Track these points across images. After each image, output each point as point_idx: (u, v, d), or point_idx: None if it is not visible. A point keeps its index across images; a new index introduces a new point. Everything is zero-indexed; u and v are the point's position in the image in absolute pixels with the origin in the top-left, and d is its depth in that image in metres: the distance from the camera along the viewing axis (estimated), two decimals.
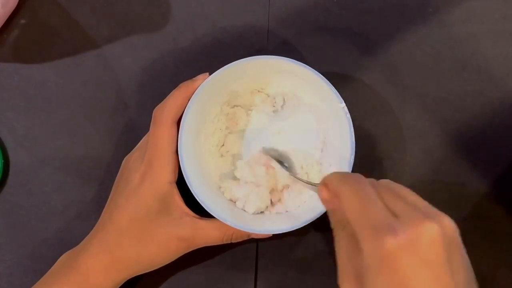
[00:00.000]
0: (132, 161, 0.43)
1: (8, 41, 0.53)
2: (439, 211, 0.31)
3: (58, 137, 0.52)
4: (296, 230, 0.43)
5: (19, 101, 0.52)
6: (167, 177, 0.41)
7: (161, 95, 0.52)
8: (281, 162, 0.46)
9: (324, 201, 0.35)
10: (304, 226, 0.43)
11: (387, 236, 0.28)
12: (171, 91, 0.44)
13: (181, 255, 0.43)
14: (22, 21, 0.54)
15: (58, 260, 0.43)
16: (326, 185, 0.34)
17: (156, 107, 0.44)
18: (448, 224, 0.29)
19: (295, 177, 0.45)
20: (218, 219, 0.41)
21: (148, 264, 0.42)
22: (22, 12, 0.54)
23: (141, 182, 0.41)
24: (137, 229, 0.40)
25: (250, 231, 0.43)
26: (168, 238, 0.41)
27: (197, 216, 0.43)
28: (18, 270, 0.49)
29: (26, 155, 0.51)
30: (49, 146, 0.51)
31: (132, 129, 0.51)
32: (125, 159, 0.45)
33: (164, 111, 0.42)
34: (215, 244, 0.43)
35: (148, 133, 0.44)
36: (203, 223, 0.42)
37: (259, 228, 0.43)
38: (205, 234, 0.42)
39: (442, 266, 0.28)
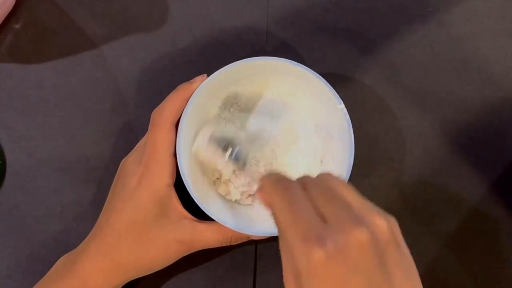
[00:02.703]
0: (129, 164, 0.43)
1: (5, 42, 0.53)
2: (375, 209, 0.29)
3: (56, 138, 0.51)
4: None
5: (16, 102, 0.52)
6: (165, 179, 0.41)
7: (159, 96, 0.52)
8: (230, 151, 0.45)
9: (263, 203, 0.33)
10: None
11: (315, 248, 0.27)
12: (170, 92, 0.44)
13: (180, 257, 0.43)
14: (19, 21, 0.54)
15: (56, 263, 0.43)
16: (261, 189, 0.33)
17: (154, 110, 0.43)
18: (381, 224, 0.28)
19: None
20: (217, 222, 0.41)
21: (147, 267, 0.42)
22: (19, 12, 0.54)
23: (138, 185, 0.40)
24: (135, 233, 0.40)
25: (250, 233, 0.43)
26: (167, 242, 0.40)
27: (195, 219, 0.42)
28: (16, 272, 0.49)
29: (24, 156, 0.51)
30: (46, 147, 0.51)
31: (130, 130, 0.51)
32: (122, 161, 0.45)
33: (163, 113, 0.42)
34: (214, 247, 0.43)
35: (145, 135, 0.44)
36: (202, 226, 0.41)
37: (258, 230, 0.43)
38: (204, 238, 0.41)
39: (374, 271, 0.27)
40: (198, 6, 0.54)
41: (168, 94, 0.52)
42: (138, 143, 0.45)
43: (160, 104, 0.43)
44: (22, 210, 0.50)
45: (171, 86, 0.52)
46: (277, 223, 0.30)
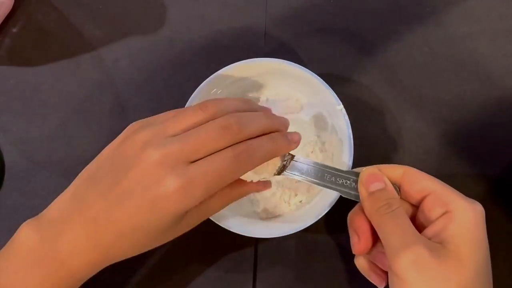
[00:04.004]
0: (157, 164, 0.33)
1: (4, 44, 0.53)
2: None
3: (54, 140, 0.51)
4: (295, 232, 0.42)
5: (15, 104, 0.52)
6: (202, 199, 0.34)
7: (158, 97, 0.52)
8: None
9: (374, 181, 0.38)
10: (303, 230, 0.42)
11: (476, 202, 0.36)
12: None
13: None
14: (18, 24, 0.53)
15: (20, 238, 0.36)
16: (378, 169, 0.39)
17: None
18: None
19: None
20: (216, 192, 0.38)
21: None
22: (18, 15, 0.54)
23: (168, 199, 0.33)
24: (141, 237, 0.35)
25: (250, 235, 0.43)
26: (172, 234, 0.37)
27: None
28: None
29: (22, 158, 0.51)
30: (45, 149, 0.51)
31: None
32: (132, 134, 0.36)
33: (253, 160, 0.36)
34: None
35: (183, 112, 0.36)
36: (207, 203, 0.38)
37: (258, 232, 0.43)
38: (209, 211, 0.39)
39: None
40: (196, 7, 0.54)
41: (166, 96, 0.52)
42: (155, 121, 0.37)
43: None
44: (20, 212, 0.50)
45: (170, 88, 0.52)
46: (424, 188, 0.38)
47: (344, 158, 0.43)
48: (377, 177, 0.38)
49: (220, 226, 0.43)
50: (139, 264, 0.48)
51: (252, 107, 0.39)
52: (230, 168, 0.34)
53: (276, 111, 0.49)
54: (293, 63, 0.44)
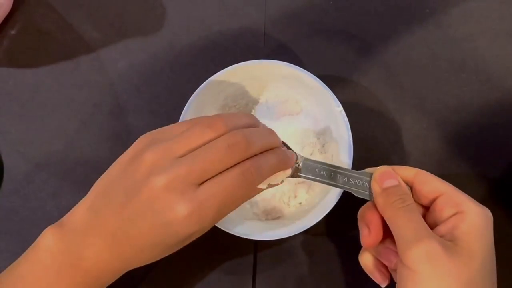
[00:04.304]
0: (165, 189, 0.33)
1: (2, 45, 0.53)
2: None
3: (53, 142, 0.51)
4: (295, 235, 0.42)
5: (13, 106, 0.52)
6: (216, 222, 0.35)
7: (157, 99, 0.52)
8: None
9: (388, 178, 0.38)
10: (302, 231, 0.42)
11: (488, 211, 0.37)
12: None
13: None
14: (16, 25, 0.53)
15: (45, 246, 0.37)
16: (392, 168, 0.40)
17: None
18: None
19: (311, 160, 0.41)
20: None
21: None
22: (16, 16, 0.54)
23: (181, 223, 0.33)
24: (162, 250, 0.36)
25: (250, 237, 0.43)
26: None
27: None
28: None
29: (21, 160, 0.51)
30: (44, 151, 0.51)
31: (128, 134, 0.51)
32: (142, 148, 0.36)
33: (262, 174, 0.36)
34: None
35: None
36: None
37: (258, 234, 0.43)
38: None
39: None
40: (195, 9, 0.54)
41: (165, 98, 0.52)
42: (165, 136, 0.36)
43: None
44: (19, 214, 0.50)
45: (169, 89, 0.52)
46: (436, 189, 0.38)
47: (343, 159, 0.43)
48: (390, 175, 0.39)
49: (220, 228, 0.42)
50: (139, 267, 0.48)
51: (256, 123, 0.39)
52: (239, 186, 0.34)
53: (276, 113, 0.49)
54: (292, 64, 0.44)
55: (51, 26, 0.54)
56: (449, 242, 0.35)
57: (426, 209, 0.39)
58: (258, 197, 0.47)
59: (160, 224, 0.33)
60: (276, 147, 0.38)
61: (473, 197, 0.37)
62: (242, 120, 0.37)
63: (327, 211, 0.42)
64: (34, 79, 0.52)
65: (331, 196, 0.42)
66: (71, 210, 0.37)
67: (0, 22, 0.52)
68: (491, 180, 0.50)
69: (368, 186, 0.40)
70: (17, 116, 0.52)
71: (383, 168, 0.39)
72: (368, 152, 0.50)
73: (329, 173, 0.40)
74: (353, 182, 0.40)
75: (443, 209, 0.37)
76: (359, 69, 0.52)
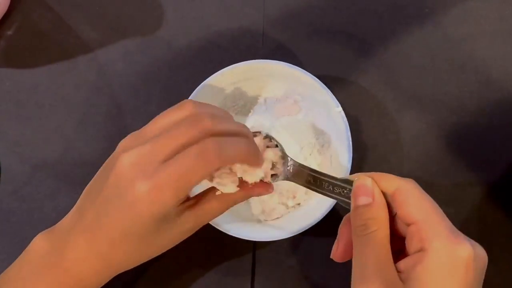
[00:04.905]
0: (129, 167, 0.33)
1: None
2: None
3: (51, 142, 0.51)
4: (293, 236, 0.42)
5: (10, 107, 0.52)
6: (176, 201, 0.34)
7: (155, 100, 0.51)
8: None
9: (362, 194, 0.35)
10: (301, 232, 0.42)
11: (465, 244, 0.31)
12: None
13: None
14: (14, 25, 0.53)
15: (34, 245, 0.38)
16: (371, 179, 0.35)
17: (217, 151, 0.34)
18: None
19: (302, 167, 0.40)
20: (214, 192, 0.38)
21: (146, 261, 0.39)
22: (14, 16, 0.53)
23: (142, 201, 0.33)
24: (133, 242, 0.35)
25: (248, 238, 0.42)
26: (170, 239, 0.37)
27: (192, 200, 0.38)
28: None
29: (18, 161, 0.50)
30: (41, 152, 0.51)
31: (126, 134, 0.50)
32: (120, 146, 0.37)
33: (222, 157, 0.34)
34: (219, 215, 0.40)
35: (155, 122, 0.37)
36: (204, 206, 0.38)
37: (256, 235, 0.43)
38: (208, 214, 0.38)
39: None
40: (194, 9, 0.54)
41: (163, 98, 0.52)
42: (141, 131, 0.37)
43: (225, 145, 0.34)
44: (16, 215, 0.50)
45: (167, 90, 0.52)
46: (410, 214, 0.33)
47: (343, 160, 0.43)
48: (366, 190, 0.35)
49: (218, 230, 0.42)
50: (137, 268, 0.48)
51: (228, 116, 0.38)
52: (196, 165, 0.32)
53: (274, 113, 0.49)
54: (291, 64, 0.44)
55: (49, 26, 0.53)
56: (400, 284, 0.31)
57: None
58: (256, 198, 0.47)
59: (125, 206, 0.33)
60: (245, 136, 0.36)
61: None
62: (213, 107, 0.37)
63: (326, 212, 0.42)
64: (31, 80, 0.52)
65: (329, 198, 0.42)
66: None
67: None
68: (490, 181, 0.49)
69: (350, 196, 0.37)
70: (14, 117, 0.51)
71: (360, 180, 0.35)
72: (367, 153, 0.50)
73: (315, 180, 0.39)
74: (337, 190, 0.38)
75: (411, 241, 0.33)
76: (358, 69, 0.52)
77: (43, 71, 0.52)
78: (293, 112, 0.49)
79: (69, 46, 0.53)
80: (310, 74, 0.44)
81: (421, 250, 0.31)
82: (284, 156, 0.40)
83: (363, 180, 0.35)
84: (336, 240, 0.37)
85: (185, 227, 0.37)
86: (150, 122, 0.37)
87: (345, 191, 0.37)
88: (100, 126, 0.51)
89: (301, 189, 0.47)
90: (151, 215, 0.33)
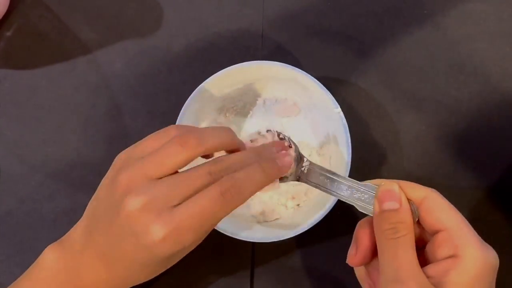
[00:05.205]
0: (141, 213, 0.32)
1: None
2: None
3: (50, 144, 0.51)
4: (293, 237, 0.42)
5: (9, 108, 0.52)
6: (197, 239, 0.34)
7: (154, 101, 0.51)
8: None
9: (389, 199, 0.35)
10: (301, 233, 0.42)
11: (493, 251, 0.33)
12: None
13: None
14: (12, 27, 0.53)
15: (46, 265, 0.38)
16: (398, 185, 0.36)
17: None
18: None
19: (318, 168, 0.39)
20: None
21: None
22: (13, 17, 0.53)
23: (160, 245, 0.32)
24: (150, 270, 0.36)
25: (248, 239, 0.42)
26: (183, 255, 0.37)
27: None
28: (9, 280, 0.48)
29: (17, 162, 0.50)
30: (40, 153, 0.51)
31: (125, 135, 0.51)
32: (115, 169, 0.36)
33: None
34: None
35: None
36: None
37: (255, 236, 0.43)
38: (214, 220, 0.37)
39: None
40: (193, 10, 0.54)
41: (162, 99, 0.52)
42: (138, 150, 0.36)
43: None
44: (15, 217, 0.49)
45: (166, 91, 0.52)
46: (438, 220, 0.34)
47: (342, 161, 0.43)
48: (392, 195, 0.35)
49: (217, 231, 0.42)
50: None
51: (233, 137, 0.37)
52: (217, 208, 0.32)
53: (274, 114, 0.49)
54: (290, 66, 0.44)
55: (48, 27, 0.53)
56: None
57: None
58: (256, 199, 0.46)
59: (140, 246, 0.33)
60: (234, 143, 0.37)
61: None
62: (217, 136, 0.36)
63: (325, 213, 0.42)
64: (30, 81, 0.52)
65: (329, 198, 0.42)
66: (71, 230, 0.38)
67: None
68: (490, 182, 0.49)
69: (372, 202, 0.37)
70: (13, 118, 0.51)
71: (387, 185, 0.36)
72: (366, 154, 0.50)
73: (332, 182, 0.38)
74: (357, 195, 0.37)
75: (440, 247, 0.33)
76: (357, 70, 0.52)
77: (42, 72, 0.52)
78: (292, 113, 0.49)
79: (68, 47, 0.53)
80: (310, 75, 0.44)
81: (453, 256, 0.32)
82: (298, 156, 0.39)
83: (390, 185, 0.36)
84: (352, 245, 0.37)
85: (199, 241, 0.37)
86: (147, 146, 0.36)
87: (366, 196, 0.37)
88: (99, 127, 0.51)
89: (301, 190, 0.47)
90: (170, 255, 0.33)
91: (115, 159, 0.37)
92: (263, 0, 0.54)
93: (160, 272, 0.37)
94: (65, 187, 0.50)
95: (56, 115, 0.52)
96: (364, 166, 0.50)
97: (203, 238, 0.36)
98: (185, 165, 0.34)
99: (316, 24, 0.53)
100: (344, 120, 0.43)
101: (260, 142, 0.40)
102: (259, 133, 0.41)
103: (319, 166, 0.39)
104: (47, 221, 0.49)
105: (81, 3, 0.54)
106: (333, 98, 0.43)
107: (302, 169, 0.39)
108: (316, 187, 0.38)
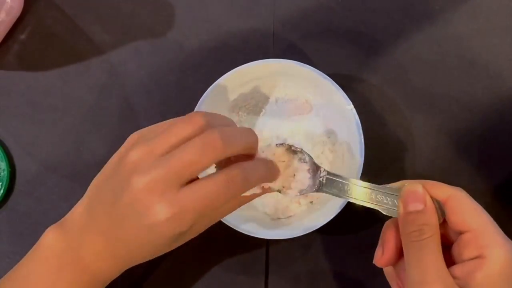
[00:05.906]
0: (146, 193, 0.32)
1: (13, 49, 0.53)
2: None
3: (65, 144, 0.51)
4: (307, 234, 0.42)
5: (25, 109, 0.52)
6: (195, 222, 0.33)
7: (167, 100, 0.52)
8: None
9: (413, 200, 0.35)
10: (315, 230, 0.42)
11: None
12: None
13: None
14: (27, 29, 0.54)
15: (47, 245, 0.37)
16: (421, 186, 0.35)
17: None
18: None
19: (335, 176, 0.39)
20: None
21: None
22: (27, 19, 0.54)
23: (163, 225, 0.32)
24: (150, 250, 0.36)
25: (261, 237, 0.43)
26: (185, 239, 0.37)
27: None
28: None
29: (33, 163, 0.51)
30: (55, 153, 0.51)
31: None
32: (127, 147, 0.36)
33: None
34: None
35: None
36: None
37: (269, 233, 0.43)
38: (221, 214, 0.39)
39: None
40: (204, 9, 0.54)
41: (176, 99, 0.52)
42: (151, 131, 0.36)
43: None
44: (32, 217, 0.50)
45: (179, 91, 0.52)
46: (464, 219, 0.34)
47: (354, 158, 0.43)
48: (417, 197, 0.35)
49: (231, 228, 0.42)
50: (149, 266, 0.48)
51: (256, 144, 0.37)
52: (222, 193, 0.32)
53: (286, 112, 0.49)
54: (302, 63, 0.44)
55: (61, 29, 0.54)
56: None
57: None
58: (269, 196, 0.47)
59: (144, 226, 0.32)
60: (255, 148, 0.36)
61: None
62: (244, 141, 0.35)
63: (339, 210, 0.42)
64: (44, 82, 0.53)
65: None
66: (71, 210, 0.38)
67: (11, 25, 0.53)
68: (501, 178, 0.49)
69: (396, 204, 0.36)
70: (28, 119, 0.52)
71: (411, 186, 0.36)
72: (379, 150, 0.50)
73: (352, 190, 0.38)
74: (379, 198, 0.37)
75: (466, 248, 0.33)
76: (369, 67, 0.52)
77: (56, 73, 0.53)
78: (304, 111, 0.49)
79: (82, 49, 0.53)
80: (321, 73, 0.44)
81: (479, 257, 0.32)
82: (313, 167, 0.39)
83: (413, 186, 0.35)
84: (379, 246, 0.37)
85: (198, 228, 0.37)
86: (160, 128, 0.36)
87: (388, 198, 0.37)
88: (113, 127, 0.52)
89: None
90: (171, 235, 0.33)
91: (127, 139, 0.37)
92: None
93: (161, 253, 0.37)
94: (81, 187, 0.50)
95: (70, 116, 0.52)
96: (377, 162, 0.49)
97: (207, 226, 0.37)
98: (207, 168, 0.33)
99: (327, 22, 0.53)
100: (357, 117, 0.43)
101: (266, 153, 0.38)
102: (268, 145, 0.39)
103: (336, 174, 0.38)
104: None
105: (94, 5, 0.55)
106: (345, 95, 0.44)
107: (320, 179, 0.38)
108: (337, 195, 0.38)
